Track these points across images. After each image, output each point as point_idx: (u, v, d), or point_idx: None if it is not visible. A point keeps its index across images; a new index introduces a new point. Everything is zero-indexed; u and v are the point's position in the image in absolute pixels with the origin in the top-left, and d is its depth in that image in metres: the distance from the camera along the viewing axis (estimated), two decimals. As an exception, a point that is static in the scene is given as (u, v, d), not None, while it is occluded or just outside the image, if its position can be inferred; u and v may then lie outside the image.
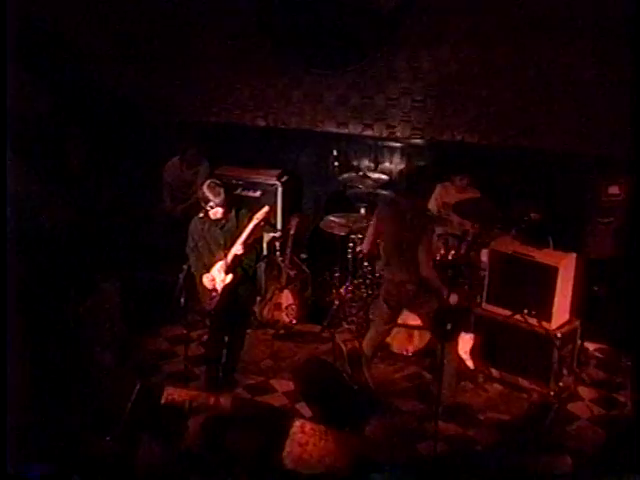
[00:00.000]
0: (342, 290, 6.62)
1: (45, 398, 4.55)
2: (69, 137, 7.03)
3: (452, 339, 5.37)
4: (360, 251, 6.06)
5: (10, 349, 3.97)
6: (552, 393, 5.58)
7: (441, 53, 6.59)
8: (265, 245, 6.62)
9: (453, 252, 6.02)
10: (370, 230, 5.54)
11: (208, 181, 5.43)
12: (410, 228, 5.24)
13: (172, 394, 4.53)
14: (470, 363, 5.86)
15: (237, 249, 5.34)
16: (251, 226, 5.29)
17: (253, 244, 5.44)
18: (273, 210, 6.78)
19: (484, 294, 5.87)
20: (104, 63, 7.26)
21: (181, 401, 4.45)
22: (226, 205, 5.37)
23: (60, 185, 6.41)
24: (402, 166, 7.08)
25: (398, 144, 7.08)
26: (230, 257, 5.38)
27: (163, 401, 4.48)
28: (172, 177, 7.09)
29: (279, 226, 7.05)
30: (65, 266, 5.96)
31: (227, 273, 5.43)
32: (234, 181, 7.01)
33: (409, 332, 6.14)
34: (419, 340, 6.15)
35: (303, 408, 5.33)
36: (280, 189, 7.08)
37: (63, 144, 6.94)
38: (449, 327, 5.05)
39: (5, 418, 3.85)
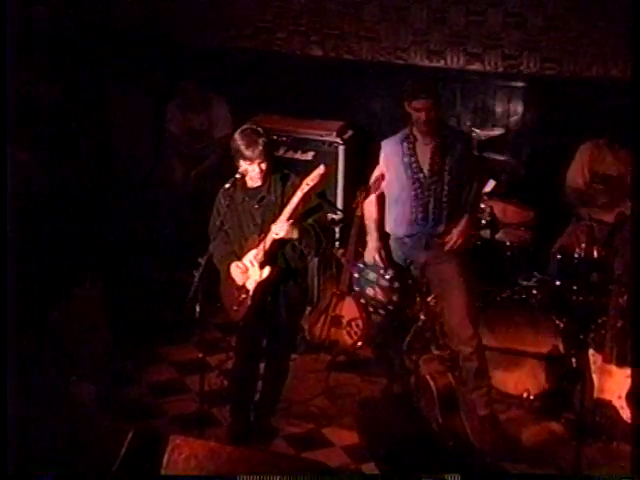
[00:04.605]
0: (431, 299, 6.52)
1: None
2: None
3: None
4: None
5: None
6: None
7: None
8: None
9: (601, 247, 5.96)
10: None
11: (242, 127, 5.43)
12: None
13: (181, 446, 4.44)
14: (627, 414, 5.65)
15: (278, 230, 5.28)
16: (299, 195, 5.25)
17: (304, 224, 5.37)
18: (332, 177, 6.91)
19: (653, 310, 5.83)
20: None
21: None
22: (267, 161, 5.30)
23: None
24: (526, 116, 7.13)
25: (520, 83, 7.09)
26: (268, 242, 5.34)
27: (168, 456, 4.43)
28: (176, 126, 7.32)
29: (340, 204, 7.10)
30: (22, 260, 5.95)
31: (263, 266, 5.37)
32: (276, 137, 7.06)
33: (530, 364, 6.09)
34: (545, 376, 6.08)
35: (372, 470, 5.35)
36: (343, 149, 7.15)
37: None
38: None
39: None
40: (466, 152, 5.67)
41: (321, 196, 5.65)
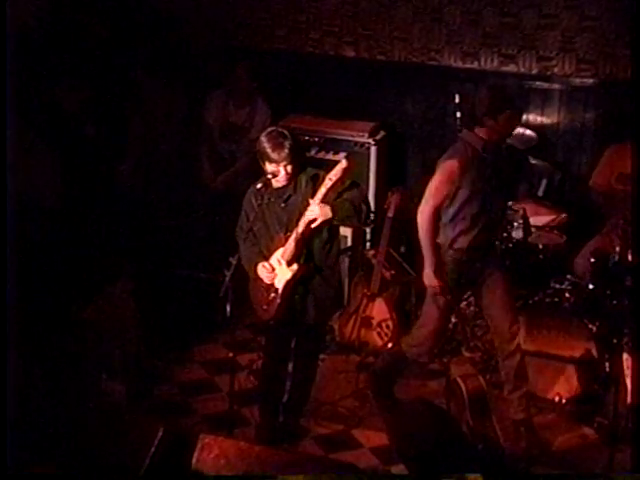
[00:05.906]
0: (462, 302, 6.46)
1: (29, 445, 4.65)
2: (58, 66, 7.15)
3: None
4: None
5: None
6: None
7: None
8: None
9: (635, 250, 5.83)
10: None
11: (268, 129, 5.42)
12: None
13: (211, 445, 4.44)
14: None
15: (303, 226, 5.27)
16: (323, 191, 5.22)
17: (338, 200, 5.31)
18: (364, 177, 6.95)
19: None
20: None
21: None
22: (294, 164, 5.29)
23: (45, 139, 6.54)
24: (560, 119, 7.07)
25: (555, 85, 7.06)
26: (293, 239, 5.32)
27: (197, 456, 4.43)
28: (215, 117, 7.29)
29: (371, 205, 6.92)
30: (56, 260, 6.06)
31: (290, 264, 5.36)
32: (307, 137, 7.09)
33: (562, 368, 6.03)
34: (578, 380, 6.01)
35: (401, 472, 5.27)
36: (374, 150, 7.12)
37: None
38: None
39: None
40: (523, 162, 5.61)
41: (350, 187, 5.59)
